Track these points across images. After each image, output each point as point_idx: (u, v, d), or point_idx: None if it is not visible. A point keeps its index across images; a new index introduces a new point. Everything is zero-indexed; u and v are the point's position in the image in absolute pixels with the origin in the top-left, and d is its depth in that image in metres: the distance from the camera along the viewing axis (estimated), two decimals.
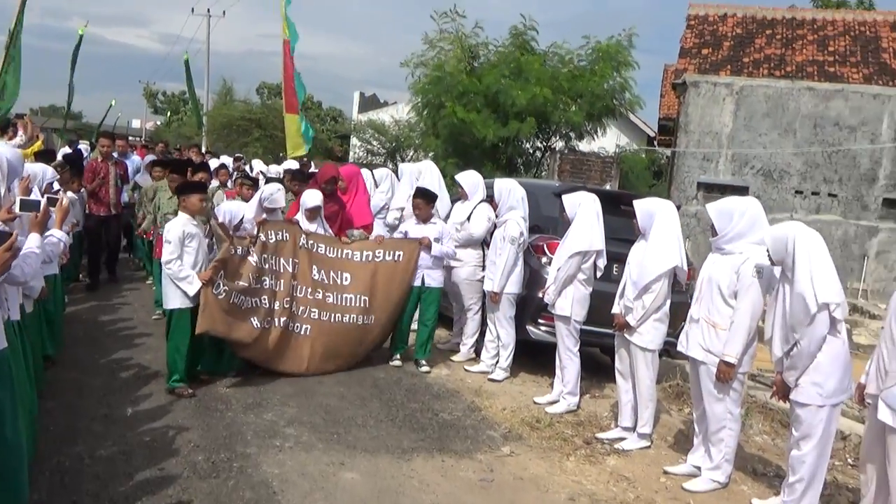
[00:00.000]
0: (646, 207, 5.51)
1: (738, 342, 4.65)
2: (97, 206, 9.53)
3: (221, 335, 5.95)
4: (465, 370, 7.23)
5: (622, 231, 6.50)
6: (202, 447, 4.79)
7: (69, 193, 7.10)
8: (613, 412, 6.14)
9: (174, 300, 5.78)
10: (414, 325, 7.31)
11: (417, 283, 7.03)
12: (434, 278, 7.08)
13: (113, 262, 10.29)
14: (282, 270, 6.42)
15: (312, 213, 6.91)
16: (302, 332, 6.49)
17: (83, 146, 17.19)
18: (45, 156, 8.28)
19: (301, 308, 6.51)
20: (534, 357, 7.34)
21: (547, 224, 7.36)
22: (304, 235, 6.64)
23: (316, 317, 6.57)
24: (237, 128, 31.66)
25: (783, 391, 4.45)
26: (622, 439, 5.66)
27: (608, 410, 6.39)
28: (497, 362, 7.08)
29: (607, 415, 6.30)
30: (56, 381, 5.75)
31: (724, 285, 4.77)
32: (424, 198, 7.18)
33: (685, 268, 5.38)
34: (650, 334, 5.42)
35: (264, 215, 6.55)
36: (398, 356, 7.17)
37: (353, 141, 31.96)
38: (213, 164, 11.99)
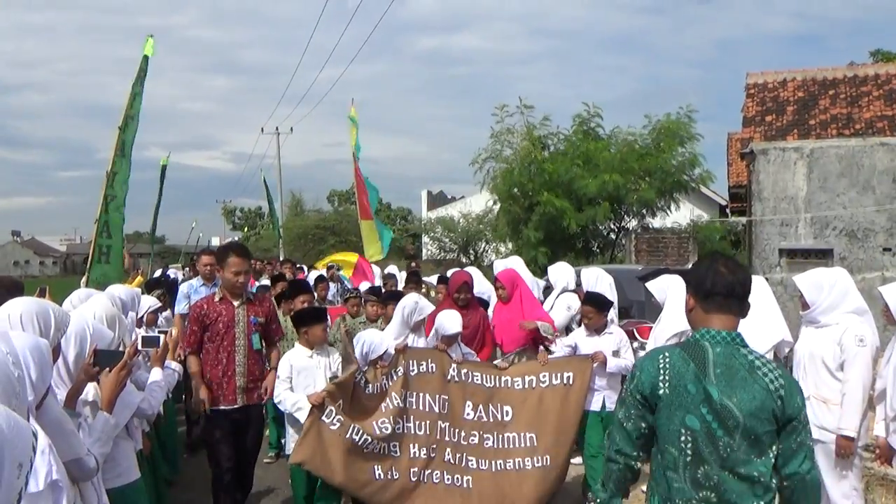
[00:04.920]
0: None
1: (853, 415, 4.53)
2: (219, 388, 5.13)
3: (318, 474, 4.95)
4: None
5: None
6: None
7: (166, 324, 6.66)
8: None
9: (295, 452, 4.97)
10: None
11: (596, 407, 5.85)
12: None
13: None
14: (427, 410, 5.33)
15: (450, 341, 5.60)
16: (464, 486, 5.33)
17: (173, 271, 17.99)
18: (149, 287, 8.77)
19: (458, 456, 5.36)
20: None
21: (633, 308, 7.39)
22: (454, 365, 5.49)
23: (475, 466, 5.36)
24: (312, 237, 32.85)
25: (888, 455, 4.44)
26: None
27: None
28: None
29: None
30: (176, 502, 5.95)
31: (828, 359, 4.68)
32: (595, 305, 6.06)
33: (790, 339, 5.29)
34: None
35: (409, 336, 5.72)
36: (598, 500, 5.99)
37: (424, 239, 32.65)
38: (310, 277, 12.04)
